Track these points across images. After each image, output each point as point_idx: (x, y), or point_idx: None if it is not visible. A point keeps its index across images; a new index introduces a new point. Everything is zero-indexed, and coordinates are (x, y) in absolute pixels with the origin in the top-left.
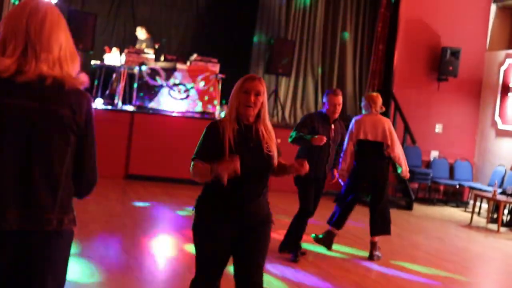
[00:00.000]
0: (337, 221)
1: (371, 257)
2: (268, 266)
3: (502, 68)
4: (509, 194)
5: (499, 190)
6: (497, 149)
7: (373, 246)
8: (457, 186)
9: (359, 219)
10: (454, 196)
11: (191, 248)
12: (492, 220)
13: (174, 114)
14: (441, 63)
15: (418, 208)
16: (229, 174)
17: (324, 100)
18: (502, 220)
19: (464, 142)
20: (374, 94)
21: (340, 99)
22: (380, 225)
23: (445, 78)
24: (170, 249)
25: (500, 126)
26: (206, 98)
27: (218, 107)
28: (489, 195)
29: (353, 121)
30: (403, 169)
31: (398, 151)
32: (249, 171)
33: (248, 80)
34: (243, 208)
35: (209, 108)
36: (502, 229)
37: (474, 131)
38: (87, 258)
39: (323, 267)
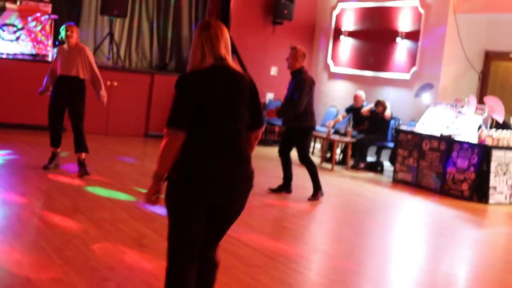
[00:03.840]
0: None
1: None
2: None
3: (335, 13)
4: (341, 134)
5: (332, 130)
6: (329, 91)
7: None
8: None
9: None
10: None
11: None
12: (326, 159)
13: (4, 56)
14: (277, 7)
15: (255, 149)
16: None
17: None
18: (335, 159)
19: None
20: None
21: None
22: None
23: (280, 21)
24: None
25: (333, 69)
26: (38, 39)
27: (50, 49)
28: (323, 135)
29: None
30: None
31: None
32: None
33: None
34: None
35: (41, 50)
36: (336, 167)
37: None
38: None
39: None
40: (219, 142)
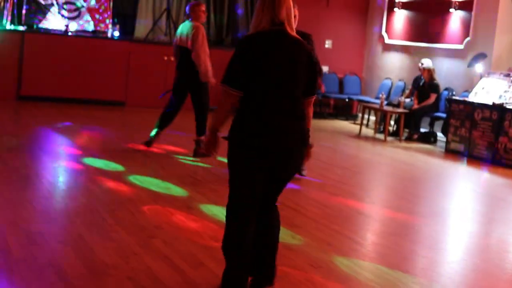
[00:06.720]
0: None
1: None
2: None
3: None
4: (395, 105)
5: (386, 102)
6: (384, 63)
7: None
8: (347, 100)
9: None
10: (344, 110)
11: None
12: (379, 131)
13: (65, 34)
14: None
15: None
16: None
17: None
18: (388, 130)
19: (352, 57)
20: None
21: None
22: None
23: None
24: (69, 163)
25: (387, 41)
26: (97, 16)
27: (110, 26)
28: (377, 106)
29: None
30: (201, 70)
31: (199, 53)
32: None
33: None
34: None
35: (101, 27)
36: (389, 138)
37: (362, 47)
38: None
39: None
40: (270, 102)
